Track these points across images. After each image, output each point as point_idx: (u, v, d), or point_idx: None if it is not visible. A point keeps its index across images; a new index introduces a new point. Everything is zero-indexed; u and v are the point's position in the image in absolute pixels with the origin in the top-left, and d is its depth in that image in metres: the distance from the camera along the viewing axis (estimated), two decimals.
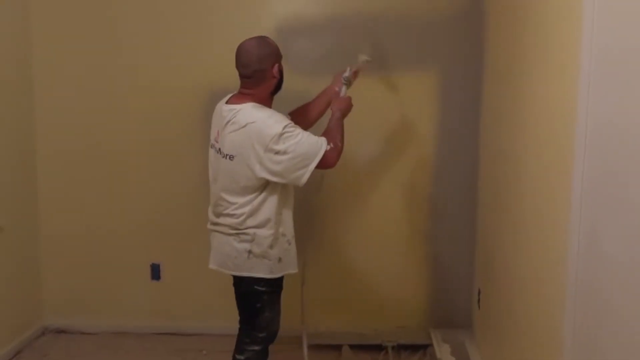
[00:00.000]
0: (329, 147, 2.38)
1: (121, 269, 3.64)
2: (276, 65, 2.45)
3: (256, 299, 2.51)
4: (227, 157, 2.39)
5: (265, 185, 2.40)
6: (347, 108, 2.65)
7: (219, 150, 2.44)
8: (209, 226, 2.60)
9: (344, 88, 2.74)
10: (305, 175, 2.35)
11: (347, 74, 2.74)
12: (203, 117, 3.44)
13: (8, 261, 3.33)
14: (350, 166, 3.33)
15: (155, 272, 3.62)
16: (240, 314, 2.68)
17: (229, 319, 3.30)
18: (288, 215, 2.51)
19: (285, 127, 2.32)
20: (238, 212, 2.43)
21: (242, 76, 2.44)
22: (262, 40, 2.47)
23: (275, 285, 2.54)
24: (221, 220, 2.50)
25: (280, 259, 2.48)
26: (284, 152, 2.30)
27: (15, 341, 3.39)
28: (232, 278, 2.60)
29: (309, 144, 2.34)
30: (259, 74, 2.41)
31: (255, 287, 2.49)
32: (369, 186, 3.49)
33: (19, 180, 3.45)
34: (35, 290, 3.61)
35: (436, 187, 3.46)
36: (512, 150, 2.58)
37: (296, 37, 3.36)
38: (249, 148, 2.32)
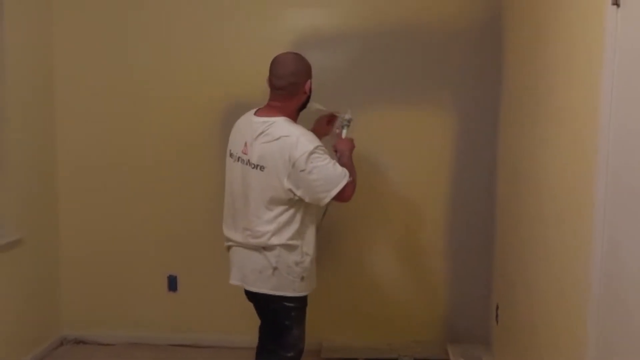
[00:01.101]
0: (350, 179, 2.41)
1: (138, 281, 3.67)
2: (309, 82, 2.49)
3: (285, 315, 2.48)
4: (258, 167, 2.39)
5: (292, 203, 2.40)
6: (351, 149, 2.66)
7: (248, 162, 2.42)
8: (229, 242, 2.56)
9: (344, 130, 2.76)
10: (325, 199, 2.38)
11: (348, 115, 2.76)
12: (220, 130, 3.47)
13: (28, 273, 3.37)
14: (368, 180, 3.33)
15: (172, 283, 3.64)
16: (263, 332, 2.65)
17: (245, 332, 3.31)
18: (312, 235, 2.50)
19: (316, 147, 2.34)
20: (264, 229, 2.41)
21: (274, 87, 2.46)
22: (298, 55, 2.53)
23: (303, 302, 2.52)
24: (245, 234, 2.46)
25: (303, 278, 2.45)
26: (309, 172, 2.32)
27: (35, 351, 3.42)
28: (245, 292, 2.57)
29: (333, 171, 2.37)
30: (292, 87, 2.45)
31: (285, 303, 2.46)
32: (385, 200, 3.49)
33: (39, 193, 3.50)
34: (54, 302, 3.65)
35: (453, 201, 3.46)
36: (531, 163, 2.57)
37: (312, 50, 3.38)
38: (280, 160, 2.34)
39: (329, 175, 2.36)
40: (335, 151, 2.61)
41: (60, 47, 3.56)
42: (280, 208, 2.39)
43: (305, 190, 2.35)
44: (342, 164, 2.49)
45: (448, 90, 3.39)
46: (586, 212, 1.84)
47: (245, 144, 2.44)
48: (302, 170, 2.31)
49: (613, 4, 1.65)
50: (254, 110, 2.53)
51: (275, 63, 2.48)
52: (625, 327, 1.58)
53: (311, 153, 2.32)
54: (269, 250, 2.41)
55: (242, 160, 2.45)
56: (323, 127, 2.83)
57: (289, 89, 2.44)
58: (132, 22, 3.53)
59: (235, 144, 2.53)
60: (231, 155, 2.53)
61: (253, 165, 2.40)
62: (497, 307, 3.17)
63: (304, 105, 2.56)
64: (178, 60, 3.51)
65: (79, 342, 3.70)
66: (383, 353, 3.48)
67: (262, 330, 2.68)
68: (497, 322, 3.19)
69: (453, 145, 3.42)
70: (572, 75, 2.06)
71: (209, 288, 3.59)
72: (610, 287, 1.68)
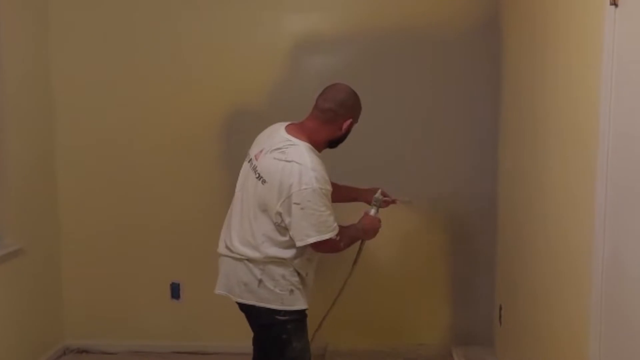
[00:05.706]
0: (336, 238, 2.31)
1: (141, 289, 3.66)
2: (349, 121, 2.39)
3: (280, 329, 2.37)
4: (260, 179, 2.33)
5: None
6: (371, 229, 2.57)
7: (254, 168, 2.38)
8: (222, 250, 2.49)
9: (373, 210, 2.63)
10: (301, 242, 2.27)
11: (377, 195, 2.63)
12: (224, 136, 3.49)
13: (29, 283, 3.37)
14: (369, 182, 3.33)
15: (175, 291, 3.63)
16: (257, 344, 2.59)
17: (248, 339, 3.30)
18: (306, 253, 2.38)
19: (320, 189, 2.24)
20: (250, 239, 2.35)
21: (316, 107, 2.40)
22: (355, 93, 2.43)
23: (298, 315, 2.40)
24: (235, 244, 2.40)
25: (292, 291, 2.35)
26: (301, 208, 2.23)
27: None
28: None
29: (323, 222, 2.26)
30: (332, 114, 2.36)
31: (277, 317, 2.36)
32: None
33: (40, 202, 3.49)
34: (56, 311, 3.64)
35: (456, 205, 3.46)
36: (533, 166, 2.57)
37: (311, 54, 3.40)
38: (281, 182, 2.26)
39: (318, 221, 2.25)
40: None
41: (57, 54, 3.55)
42: (271, 223, 2.31)
43: (289, 223, 2.26)
44: (348, 228, 2.43)
45: (447, 92, 3.40)
46: (587, 214, 1.84)
47: (261, 151, 2.38)
48: (296, 204, 2.23)
49: (611, 4, 1.65)
50: (287, 123, 2.45)
51: (330, 86, 2.43)
52: (626, 329, 1.58)
53: (313, 191, 2.22)
54: (254, 262, 2.34)
55: (251, 165, 2.41)
56: (369, 196, 2.68)
57: (329, 114, 2.36)
58: (132, 26, 3.52)
59: (254, 146, 2.49)
60: (247, 155, 2.49)
61: (257, 175, 2.35)
62: (501, 309, 3.17)
63: (335, 142, 2.47)
64: (177, 68, 3.51)
65: (81, 351, 3.68)
66: (388, 356, 3.48)
67: (256, 342, 2.62)
68: (500, 323, 3.18)
69: (454, 148, 3.42)
70: (571, 75, 2.07)
71: (212, 295, 3.52)
72: (611, 290, 1.68)
